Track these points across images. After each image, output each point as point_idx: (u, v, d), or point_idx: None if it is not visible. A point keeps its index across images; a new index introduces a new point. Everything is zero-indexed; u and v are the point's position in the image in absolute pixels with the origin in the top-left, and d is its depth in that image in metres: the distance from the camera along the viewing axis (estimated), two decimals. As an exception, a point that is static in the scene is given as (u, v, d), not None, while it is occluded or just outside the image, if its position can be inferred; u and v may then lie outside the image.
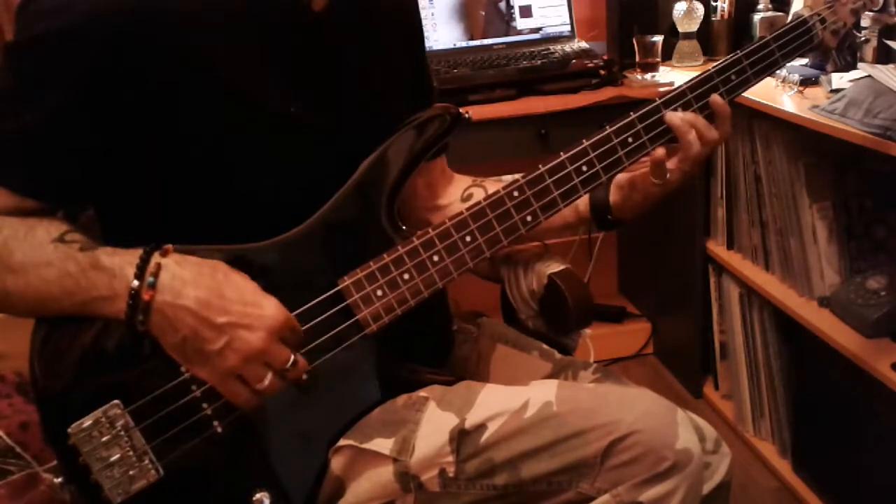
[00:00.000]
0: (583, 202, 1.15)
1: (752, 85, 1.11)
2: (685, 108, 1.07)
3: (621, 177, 1.10)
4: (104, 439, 0.91)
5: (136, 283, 0.88)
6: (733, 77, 1.09)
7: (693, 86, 1.07)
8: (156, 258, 0.89)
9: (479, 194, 1.14)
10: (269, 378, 0.90)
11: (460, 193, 1.22)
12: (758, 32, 2.03)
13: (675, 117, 1.06)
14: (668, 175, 1.06)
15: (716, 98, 1.07)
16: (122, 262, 0.89)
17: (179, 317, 0.88)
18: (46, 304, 0.91)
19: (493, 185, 1.20)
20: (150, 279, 0.88)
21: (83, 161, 0.93)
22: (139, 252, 0.89)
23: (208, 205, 0.98)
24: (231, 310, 0.89)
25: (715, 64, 1.09)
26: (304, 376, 0.93)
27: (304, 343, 0.95)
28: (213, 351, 0.89)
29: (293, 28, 1.00)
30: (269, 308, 0.90)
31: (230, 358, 0.89)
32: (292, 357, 0.91)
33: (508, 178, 1.11)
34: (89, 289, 0.89)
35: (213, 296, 0.88)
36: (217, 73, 0.94)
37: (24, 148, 0.91)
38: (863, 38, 1.41)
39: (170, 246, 0.90)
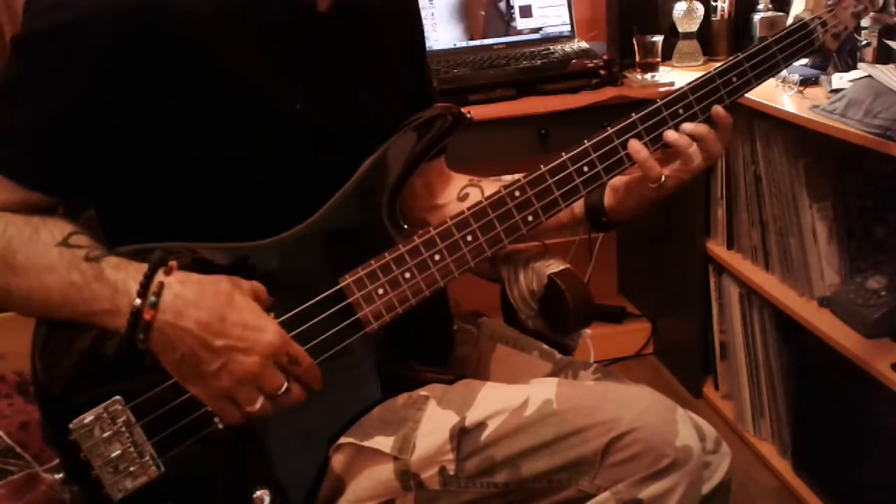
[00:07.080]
0: (578, 203, 1.15)
1: (753, 87, 1.11)
2: (686, 109, 1.07)
3: (617, 180, 1.10)
4: (105, 435, 0.91)
5: (138, 301, 0.87)
6: (734, 79, 1.09)
7: (694, 87, 1.07)
8: (159, 276, 0.89)
9: (475, 194, 1.14)
10: (259, 401, 0.91)
11: (457, 193, 1.22)
12: (758, 32, 2.03)
13: (672, 135, 1.06)
14: (664, 181, 1.07)
15: (717, 109, 1.07)
16: (125, 278, 0.89)
17: (179, 337, 0.88)
18: (48, 310, 0.91)
19: (490, 184, 1.20)
20: (152, 298, 0.87)
21: (88, 155, 0.93)
22: (143, 268, 0.89)
23: (210, 202, 0.98)
24: (230, 333, 0.89)
25: (716, 66, 1.09)
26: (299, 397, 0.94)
27: (305, 341, 0.95)
28: (208, 372, 0.89)
29: (297, 27, 1.00)
30: (268, 333, 0.90)
31: (224, 379, 0.89)
32: (285, 384, 0.92)
33: (508, 178, 1.11)
34: (91, 301, 0.89)
35: (213, 318, 0.88)
36: (221, 71, 0.94)
37: (30, 141, 0.91)
38: (864, 42, 1.41)
39: (174, 263, 0.90)
